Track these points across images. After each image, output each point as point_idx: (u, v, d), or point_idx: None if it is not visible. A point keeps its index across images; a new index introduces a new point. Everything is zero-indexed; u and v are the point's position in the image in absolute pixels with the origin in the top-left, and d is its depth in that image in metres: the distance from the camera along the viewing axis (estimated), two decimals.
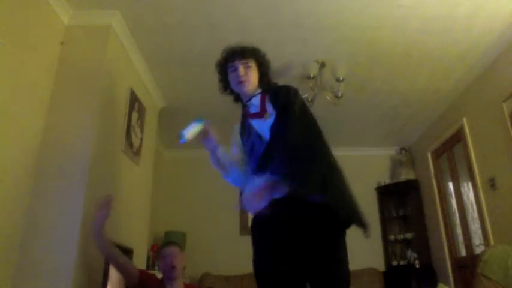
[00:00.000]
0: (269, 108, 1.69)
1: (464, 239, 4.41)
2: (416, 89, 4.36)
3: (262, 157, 1.63)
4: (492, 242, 3.67)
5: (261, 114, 1.72)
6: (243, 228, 5.66)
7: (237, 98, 1.94)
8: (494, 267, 2.61)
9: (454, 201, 4.70)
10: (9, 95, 2.44)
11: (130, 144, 3.52)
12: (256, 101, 1.77)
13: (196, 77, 4.09)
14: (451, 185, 4.79)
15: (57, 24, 2.99)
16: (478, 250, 3.93)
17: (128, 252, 3.44)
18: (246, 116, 1.81)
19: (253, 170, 1.68)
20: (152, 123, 4.24)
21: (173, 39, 3.48)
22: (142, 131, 3.82)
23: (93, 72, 2.98)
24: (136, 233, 3.68)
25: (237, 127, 1.92)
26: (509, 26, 3.31)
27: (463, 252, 4.48)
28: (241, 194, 1.80)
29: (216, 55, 3.68)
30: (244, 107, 1.83)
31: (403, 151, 5.84)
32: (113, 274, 3.16)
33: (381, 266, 5.38)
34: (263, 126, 1.67)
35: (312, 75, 3.72)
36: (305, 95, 3.73)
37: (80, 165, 2.72)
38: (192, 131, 1.77)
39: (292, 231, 1.51)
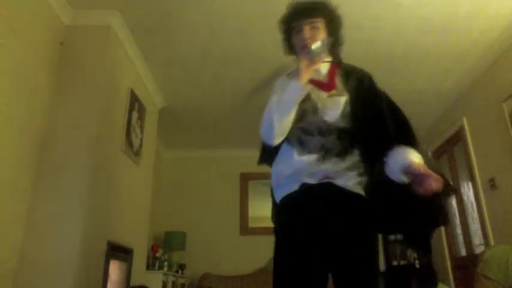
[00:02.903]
0: (339, 84, 1.54)
1: (464, 239, 4.41)
2: (416, 89, 4.36)
3: (339, 138, 1.47)
4: (492, 242, 3.67)
5: (328, 87, 1.53)
6: (243, 228, 5.66)
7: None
8: (494, 267, 2.61)
9: (454, 201, 4.70)
10: (9, 95, 2.44)
11: (130, 144, 3.52)
12: (323, 69, 1.59)
13: (196, 77, 4.09)
14: None
15: (57, 24, 2.99)
16: (478, 250, 3.93)
17: (128, 252, 3.44)
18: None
19: (298, 140, 1.51)
20: (152, 123, 4.24)
21: (173, 39, 3.48)
22: (142, 131, 3.82)
23: (93, 72, 2.99)
24: (136, 233, 3.68)
25: (286, 81, 1.61)
26: (509, 26, 3.31)
27: (463, 252, 4.48)
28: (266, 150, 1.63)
29: (216, 55, 3.70)
30: None
31: None
32: (113, 274, 3.17)
33: (381, 266, 5.38)
34: (326, 102, 1.50)
35: None
36: None
37: (80, 165, 2.72)
38: (320, 46, 1.48)
39: (326, 221, 1.40)
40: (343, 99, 1.50)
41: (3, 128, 2.37)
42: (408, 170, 1.30)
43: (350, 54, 3.68)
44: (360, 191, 1.45)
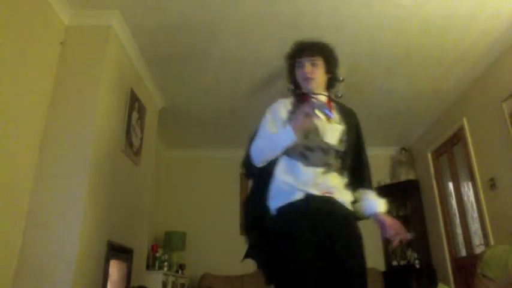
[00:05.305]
0: (336, 115, 1.76)
1: (464, 239, 4.40)
2: (416, 89, 4.36)
3: (327, 158, 1.68)
4: (492, 242, 3.67)
5: (328, 116, 1.72)
6: (243, 228, 5.65)
7: (295, 91, 1.93)
8: (494, 267, 2.62)
9: (454, 201, 4.70)
10: (9, 95, 2.44)
11: (130, 144, 3.52)
12: (323, 99, 1.80)
13: (196, 77, 4.09)
14: (451, 185, 4.78)
15: (57, 24, 2.99)
16: (478, 250, 3.93)
17: (128, 252, 3.44)
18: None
19: (301, 154, 1.67)
20: (152, 123, 4.24)
21: (173, 39, 3.48)
22: (142, 131, 3.82)
23: (93, 72, 2.99)
24: (136, 233, 3.68)
25: (286, 104, 1.82)
26: (509, 26, 3.31)
27: (463, 252, 4.48)
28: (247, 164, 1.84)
29: (216, 55, 3.69)
30: (306, 97, 1.79)
31: (403, 151, 5.83)
32: (113, 274, 3.17)
33: (381, 266, 5.38)
34: (327, 126, 1.70)
35: None
36: None
37: (80, 165, 2.72)
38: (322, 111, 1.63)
39: (328, 231, 1.56)
40: (340, 128, 1.73)
41: (3, 128, 2.37)
42: (375, 218, 1.69)
43: (351, 54, 3.70)
44: (351, 208, 1.68)
